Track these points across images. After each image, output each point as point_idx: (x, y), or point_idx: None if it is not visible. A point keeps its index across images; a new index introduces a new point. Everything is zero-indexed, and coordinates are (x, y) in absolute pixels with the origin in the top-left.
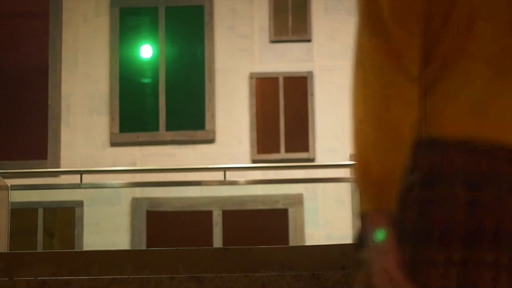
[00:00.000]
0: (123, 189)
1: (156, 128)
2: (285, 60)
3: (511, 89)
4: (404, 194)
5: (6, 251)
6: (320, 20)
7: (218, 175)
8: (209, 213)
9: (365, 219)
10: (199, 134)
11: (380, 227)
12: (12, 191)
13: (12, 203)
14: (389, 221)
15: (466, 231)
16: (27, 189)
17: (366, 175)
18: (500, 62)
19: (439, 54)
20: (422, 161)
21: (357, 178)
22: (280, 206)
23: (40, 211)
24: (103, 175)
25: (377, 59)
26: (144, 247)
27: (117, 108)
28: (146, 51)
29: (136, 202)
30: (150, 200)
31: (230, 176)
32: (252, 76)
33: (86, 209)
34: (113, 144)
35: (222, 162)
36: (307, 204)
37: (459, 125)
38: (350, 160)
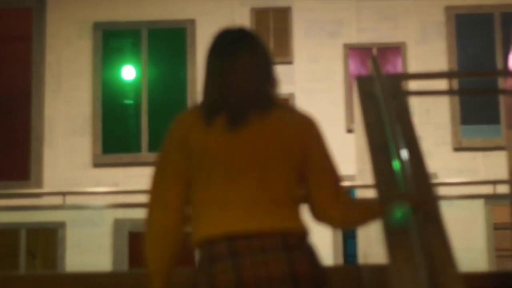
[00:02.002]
0: (105, 210)
1: (138, 149)
2: None
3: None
4: (196, 268)
5: None
6: (301, 43)
7: None
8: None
9: None
10: None
11: None
12: None
13: None
14: None
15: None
16: (9, 210)
17: (147, 268)
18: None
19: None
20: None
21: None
22: None
23: (23, 232)
24: (85, 196)
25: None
26: (126, 268)
27: (99, 130)
28: (128, 73)
29: (118, 223)
30: (133, 221)
31: None
32: None
33: (69, 230)
34: (96, 165)
35: None
36: None
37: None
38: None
